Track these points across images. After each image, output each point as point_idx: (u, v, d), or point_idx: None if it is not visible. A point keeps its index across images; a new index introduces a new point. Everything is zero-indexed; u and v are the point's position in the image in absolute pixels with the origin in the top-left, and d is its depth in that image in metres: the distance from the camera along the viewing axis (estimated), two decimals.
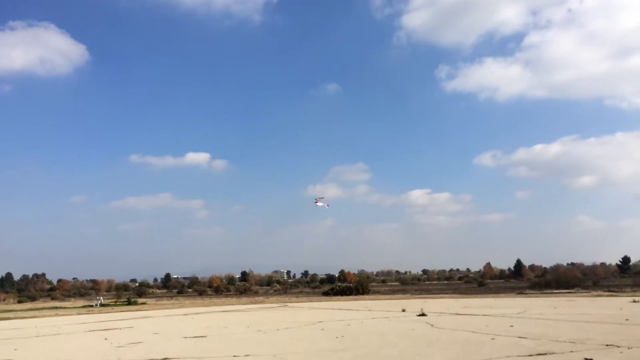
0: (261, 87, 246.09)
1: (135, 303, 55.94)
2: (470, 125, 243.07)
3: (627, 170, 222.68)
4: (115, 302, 59.96)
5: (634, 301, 32.22)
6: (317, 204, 24.75)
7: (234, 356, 13.18)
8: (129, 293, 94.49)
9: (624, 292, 48.17)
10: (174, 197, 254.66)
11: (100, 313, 39.18)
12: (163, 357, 13.53)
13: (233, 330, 20.62)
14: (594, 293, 49.36)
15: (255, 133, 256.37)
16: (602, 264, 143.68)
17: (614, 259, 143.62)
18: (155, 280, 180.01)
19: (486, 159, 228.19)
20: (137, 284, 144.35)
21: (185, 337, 18.25)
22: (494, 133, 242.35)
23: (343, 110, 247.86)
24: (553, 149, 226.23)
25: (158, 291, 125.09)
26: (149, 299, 70.56)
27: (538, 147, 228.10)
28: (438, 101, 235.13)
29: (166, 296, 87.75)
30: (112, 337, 19.18)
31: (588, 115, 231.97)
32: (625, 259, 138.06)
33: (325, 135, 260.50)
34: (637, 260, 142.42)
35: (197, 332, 19.82)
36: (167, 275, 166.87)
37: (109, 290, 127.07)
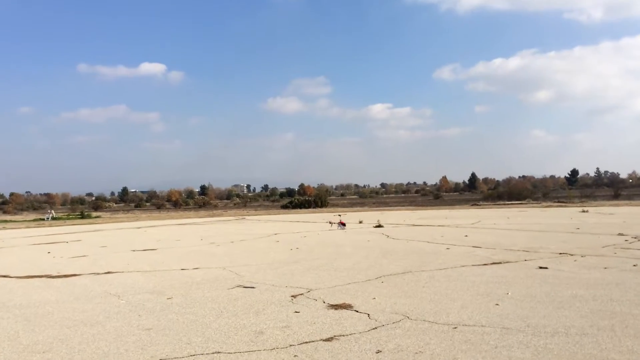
0: None
1: (89, 217, 54.86)
2: (430, 38, 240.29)
3: (583, 85, 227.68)
4: (68, 215, 58.68)
5: (583, 211, 33.25)
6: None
7: (182, 269, 12.56)
8: (85, 207, 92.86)
9: (573, 202, 49.95)
10: (129, 109, 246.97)
11: (51, 227, 38.04)
12: (106, 271, 12.79)
13: (185, 243, 20.04)
14: (544, 204, 51.04)
15: (213, 44, 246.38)
16: (552, 177, 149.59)
17: (563, 172, 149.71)
18: (113, 194, 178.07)
19: (445, 73, 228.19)
20: (93, 198, 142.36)
21: (133, 251, 17.55)
22: (454, 46, 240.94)
23: (303, 20, 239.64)
24: (512, 63, 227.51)
25: (115, 205, 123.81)
26: (104, 213, 69.47)
27: (497, 61, 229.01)
28: (399, 12, 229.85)
29: (123, 210, 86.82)
30: (56, 251, 18.31)
31: (548, 29, 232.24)
32: (574, 172, 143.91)
33: (286, 47, 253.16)
34: (585, 173, 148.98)
35: (147, 246, 19.15)
36: (124, 189, 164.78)
37: (64, 204, 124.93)
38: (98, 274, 12.40)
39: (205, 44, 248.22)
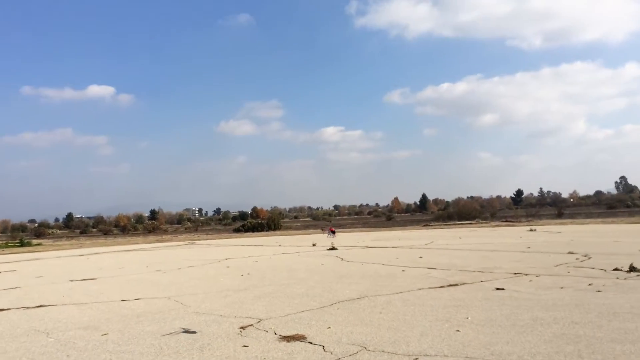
0: (167, 16, 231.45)
1: (29, 244, 51.95)
2: (381, 63, 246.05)
3: (525, 109, 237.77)
4: (6, 243, 55.38)
5: (531, 230, 33.88)
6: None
7: (122, 300, 11.66)
8: (26, 234, 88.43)
9: (520, 222, 51.14)
10: (75, 132, 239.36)
11: None
12: (38, 304, 11.73)
13: (129, 270, 18.94)
14: (493, 223, 52.03)
15: (164, 67, 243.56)
16: (498, 197, 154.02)
17: (508, 192, 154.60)
18: (57, 220, 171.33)
19: (395, 97, 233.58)
20: (36, 225, 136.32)
21: (71, 281, 16.37)
22: (404, 71, 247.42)
23: (255, 43, 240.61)
24: (459, 88, 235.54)
25: (59, 231, 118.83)
26: (46, 240, 66.25)
27: (445, 86, 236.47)
28: (349, 38, 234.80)
29: (67, 236, 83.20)
30: None
31: (492, 55, 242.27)
32: (519, 192, 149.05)
33: (238, 70, 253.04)
34: (529, 192, 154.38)
35: (87, 275, 17.94)
36: (69, 215, 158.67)
37: (4, 231, 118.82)
38: (28, 307, 11.34)
39: (156, 68, 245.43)
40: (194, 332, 7.68)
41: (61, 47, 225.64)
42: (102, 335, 8.16)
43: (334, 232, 23.24)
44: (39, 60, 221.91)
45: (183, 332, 7.76)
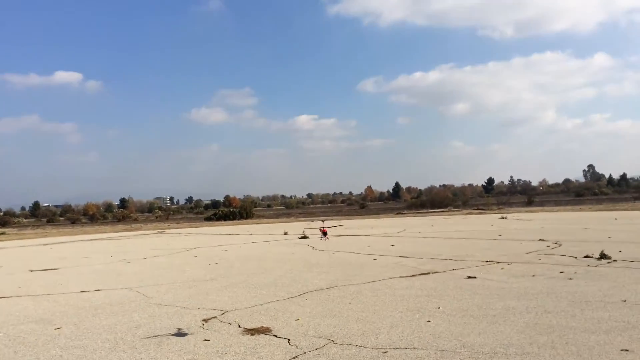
0: (136, 0, 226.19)
1: None
2: (354, 51, 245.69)
3: (497, 98, 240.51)
4: None
5: (502, 217, 34.14)
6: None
7: (81, 291, 11.13)
8: None
9: (491, 209, 51.61)
10: (42, 119, 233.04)
11: None
12: None
13: (93, 260, 18.29)
14: (465, 211, 52.39)
15: (133, 52, 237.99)
16: (470, 185, 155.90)
17: (480, 181, 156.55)
18: (23, 209, 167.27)
19: (369, 85, 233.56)
20: (0, 213, 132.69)
21: (31, 271, 15.70)
22: (377, 59, 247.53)
23: (227, 30, 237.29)
24: (432, 77, 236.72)
25: (25, 220, 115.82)
26: (11, 229, 64.36)
27: (418, 74, 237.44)
28: (322, 25, 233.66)
29: (33, 225, 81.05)
30: None
31: (464, 45, 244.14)
32: (490, 180, 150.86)
33: (209, 57, 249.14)
34: (500, 181, 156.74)
35: (48, 265, 17.24)
36: (36, 204, 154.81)
37: None
38: None
39: (125, 53, 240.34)
40: (186, 335, 7.10)
41: (25, 32, 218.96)
42: (55, 329, 7.67)
43: (325, 234, 21.57)
44: (2, 45, 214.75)
45: (176, 334, 7.12)
